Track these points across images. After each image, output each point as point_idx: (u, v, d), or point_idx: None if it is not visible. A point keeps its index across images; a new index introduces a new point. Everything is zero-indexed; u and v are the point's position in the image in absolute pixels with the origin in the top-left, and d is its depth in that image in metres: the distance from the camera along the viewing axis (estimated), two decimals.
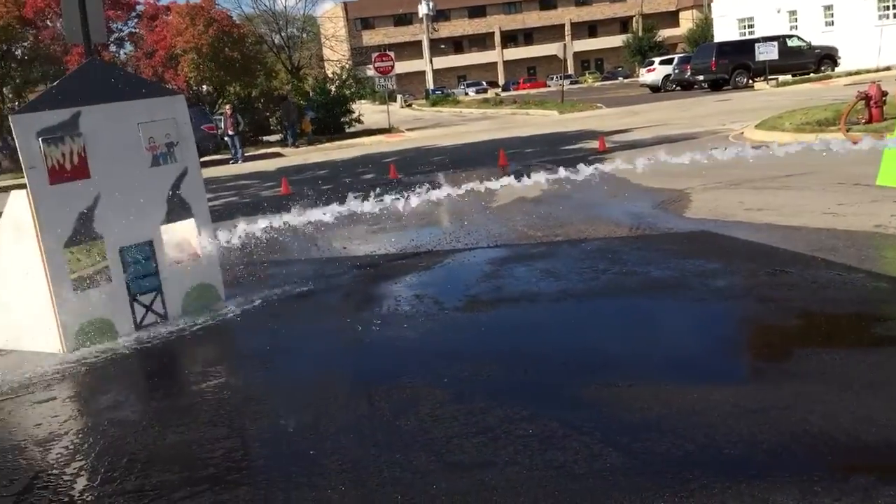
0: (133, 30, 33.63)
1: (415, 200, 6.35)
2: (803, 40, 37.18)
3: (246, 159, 24.76)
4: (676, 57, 43.67)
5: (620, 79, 70.99)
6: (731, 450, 3.18)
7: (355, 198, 6.52)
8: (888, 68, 31.32)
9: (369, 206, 6.46)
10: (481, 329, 5.20)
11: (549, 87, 69.48)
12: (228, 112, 25.65)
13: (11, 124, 5.40)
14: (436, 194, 6.68)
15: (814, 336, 4.40)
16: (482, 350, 4.75)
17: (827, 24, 42.37)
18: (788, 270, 5.57)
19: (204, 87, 32.29)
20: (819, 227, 6.69)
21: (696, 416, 3.49)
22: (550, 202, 9.84)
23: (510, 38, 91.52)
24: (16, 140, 5.34)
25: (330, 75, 34.74)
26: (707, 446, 3.23)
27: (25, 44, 30.19)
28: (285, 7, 44.97)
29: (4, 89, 31.14)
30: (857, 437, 3.17)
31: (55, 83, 5.81)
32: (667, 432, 3.37)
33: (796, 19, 44.51)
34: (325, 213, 6.25)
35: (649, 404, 3.66)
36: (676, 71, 39.74)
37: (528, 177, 6.84)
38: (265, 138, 31.83)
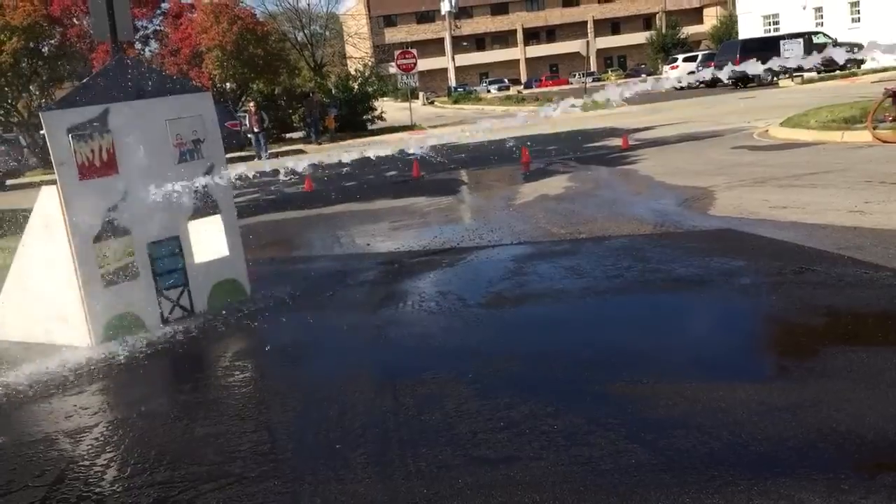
0: (158, 27, 33.90)
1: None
2: (829, 37, 36.78)
3: (269, 156, 24.88)
4: (700, 54, 43.39)
5: (643, 76, 70.58)
6: (758, 447, 3.18)
7: None
8: None
9: None
10: (505, 326, 5.21)
11: (572, 84, 69.21)
12: (253, 109, 25.79)
13: (42, 121, 5.48)
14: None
15: (840, 334, 4.38)
16: (506, 346, 4.76)
17: (853, 20, 41.92)
18: (814, 268, 5.54)
19: (227, 84, 32.48)
20: (845, 226, 6.64)
21: (721, 414, 3.49)
22: (573, 199, 9.83)
23: (532, 35, 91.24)
24: (46, 136, 5.42)
25: (353, 73, 34.82)
26: (733, 443, 3.23)
27: (52, 41, 30.49)
28: (309, 5, 45.06)
29: (31, 86, 31.48)
30: (884, 436, 3.16)
31: (84, 80, 5.88)
32: (692, 429, 3.37)
33: (822, 16, 44.07)
34: None
35: (674, 401, 3.67)
36: (700, 68, 39.45)
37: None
38: (288, 135, 31.97)
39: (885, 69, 31.00)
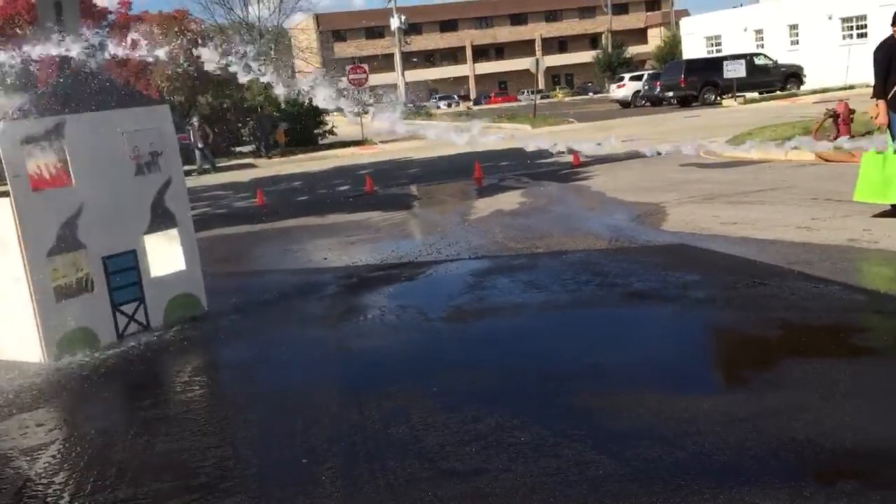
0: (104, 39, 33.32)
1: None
2: (770, 58, 37.87)
3: (218, 170, 24.61)
4: (646, 73, 44.19)
5: (590, 94, 71.60)
6: (721, 456, 3.25)
7: None
8: (852, 87, 32.00)
9: None
10: (467, 339, 5.24)
11: (520, 101, 69.95)
12: (196, 124, 25.50)
13: None
14: None
15: (795, 346, 4.50)
16: (469, 360, 4.79)
17: (792, 43, 43.23)
18: (767, 282, 5.68)
19: (175, 97, 32.06)
20: (794, 241, 6.83)
21: (684, 424, 3.55)
22: (529, 214, 9.93)
23: (481, 53, 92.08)
24: None
25: None
26: (697, 453, 3.29)
27: None
28: (259, 18, 44.73)
29: None
30: (841, 444, 3.26)
31: (40, 90, 5.78)
32: (657, 440, 3.43)
33: (762, 38, 45.35)
34: None
35: (638, 412, 3.73)
36: (646, 87, 40.21)
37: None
38: (238, 149, 31.67)
39: (824, 90, 32.01)
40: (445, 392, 4.22)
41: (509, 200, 11.31)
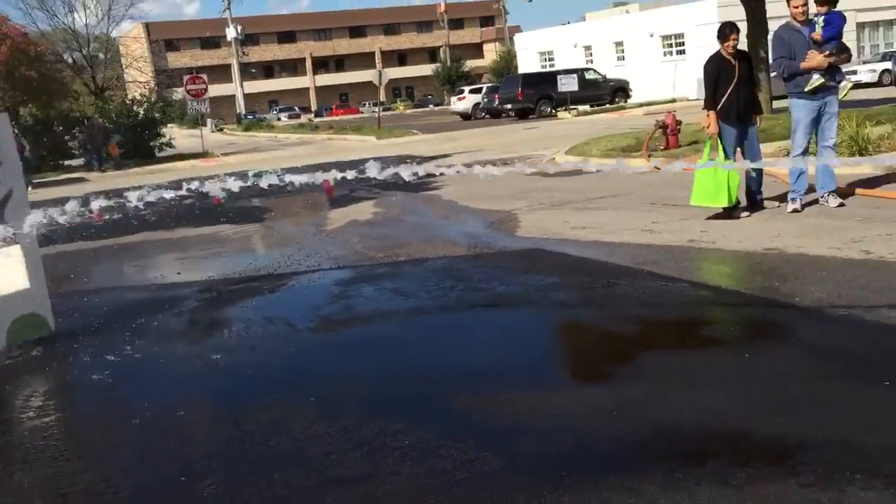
0: None
1: None
2: (599, 73, 39.91)
3: (38, 185, 23.10)
4: (485, 87, 45.43)
5: (431, 106, 72.74)
6: (598, 446, 3.42)
7: None
8: (674, 100, 34.20)
9: None
10: (339, 348, 5.22)
11: (362, 113, 70.07)
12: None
13: None
14: None
15: (652, 340, 4.78)
16: (344, 368, 4.77)
17: (619, 59, 45.79)
18: (620, 282, 6.00)
19: None
20: (640, 243, 7.24)
21: (560, 419, 3.70)
22: (384, 224, 9.99)
23: (321, 65, 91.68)
24: None
25: (138, 97, 33.24)
26: (576, 444, 3.45)
27: None
28: (87, 25, 42.43)
29: None
30: (704, 427, 3.50)
31: None
32: (536, 435, 3.56)
33: (591, 54, 47.75)
34: None
35: (516, 410, 3.85)
36: (485, 100, 41.36)
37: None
38: (67, 163, 29.91)
39: (649, 104, 34.03)
40: (323, 401, 4.19)
41: (363, 210, 11.34)
